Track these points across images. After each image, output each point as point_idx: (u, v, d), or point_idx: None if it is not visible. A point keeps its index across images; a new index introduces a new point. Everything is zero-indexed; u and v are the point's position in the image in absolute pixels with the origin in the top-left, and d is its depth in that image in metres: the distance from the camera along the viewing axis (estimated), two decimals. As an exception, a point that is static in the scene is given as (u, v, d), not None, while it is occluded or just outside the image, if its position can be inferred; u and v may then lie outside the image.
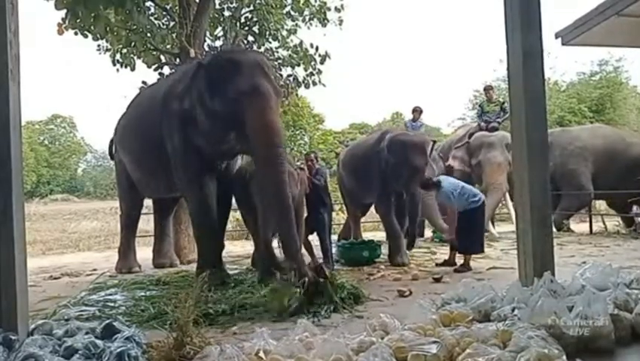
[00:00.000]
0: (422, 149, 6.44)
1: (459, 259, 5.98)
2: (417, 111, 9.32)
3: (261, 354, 2.52)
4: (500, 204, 9.31)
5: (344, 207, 9.53)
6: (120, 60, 8.50)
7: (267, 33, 9.42)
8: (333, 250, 6.90)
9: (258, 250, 5.91)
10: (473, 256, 5.93)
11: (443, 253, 7.23)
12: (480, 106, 9.71)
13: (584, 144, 9.73)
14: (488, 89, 9.60)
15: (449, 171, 8.08)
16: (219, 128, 4.89)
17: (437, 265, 6.14)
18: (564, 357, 2.38)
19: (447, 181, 5.99)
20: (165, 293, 4.78)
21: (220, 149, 5.12)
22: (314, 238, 6.24)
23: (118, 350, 2.58)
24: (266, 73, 4.88)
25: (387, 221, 6.61)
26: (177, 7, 8.22)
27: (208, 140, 5.04)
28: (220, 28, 9.36)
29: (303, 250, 5.29)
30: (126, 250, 6.85)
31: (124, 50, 8.41)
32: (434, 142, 6.73)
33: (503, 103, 9.29)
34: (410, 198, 6.46)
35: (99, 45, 8.60)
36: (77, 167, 39.88)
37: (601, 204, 11.74)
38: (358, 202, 8.27)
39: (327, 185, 6.48)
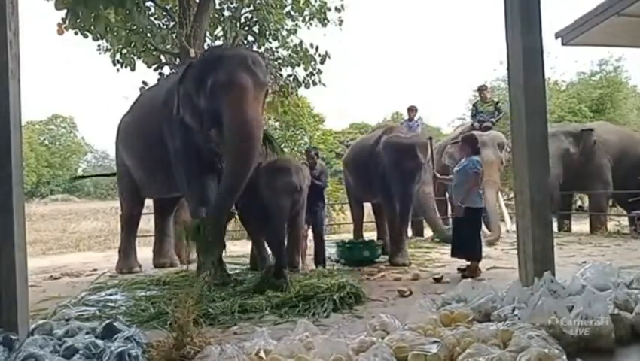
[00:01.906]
0: (413, 151, 6.33)
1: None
2: (412, 110, 9.30)
3: (261, 354, 2.51)
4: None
5: (343, 207, 9.48)
6: (120, 60, 8.51)
7: (267, 33, 9.43)
8: (333, 250, 6.91)
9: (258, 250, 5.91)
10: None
11: (444, 252, 7.23)
12: (474, 106, 9.68)
13: (603, 139, 9.59)
14: (482, 89, 9.58)
15: (444, 170, 8.08)
16: (206, 124, 4.91)
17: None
18: (564, 357, 2.38)
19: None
20: (165, 293, 4.78)
21: (216, 147, 5.12)
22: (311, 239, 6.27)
23: (118, 350, 2.58)
24: (249, 66, 4.80)
25: (393, 222, 6.59)
26: (177, 7, 8.23)
27: (204, 138, 5.06)
28: (220, 28, 9.36)
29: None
30: (127, 249, 6.84)
31: (124, 50, 8.42)
32: (430, 138, 6.72)
33: (497, 103, 9.28)
34: (401, 199, 6.45)
35: (99, 45, 8.61)
36: (77, 167, 39.73)
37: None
38: (362, 201, 8.26)
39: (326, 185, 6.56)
